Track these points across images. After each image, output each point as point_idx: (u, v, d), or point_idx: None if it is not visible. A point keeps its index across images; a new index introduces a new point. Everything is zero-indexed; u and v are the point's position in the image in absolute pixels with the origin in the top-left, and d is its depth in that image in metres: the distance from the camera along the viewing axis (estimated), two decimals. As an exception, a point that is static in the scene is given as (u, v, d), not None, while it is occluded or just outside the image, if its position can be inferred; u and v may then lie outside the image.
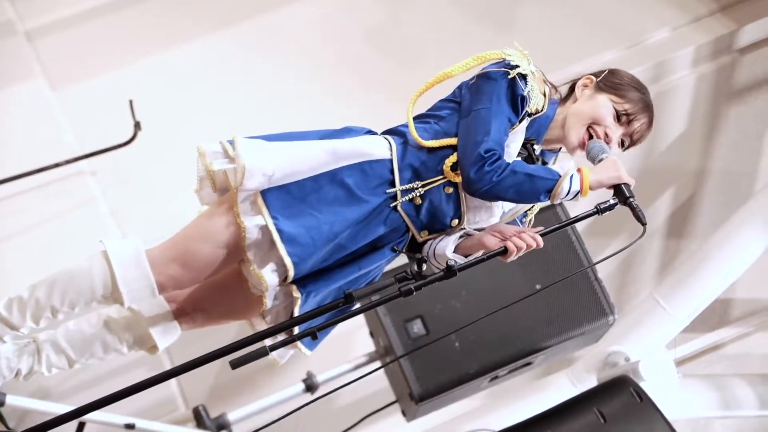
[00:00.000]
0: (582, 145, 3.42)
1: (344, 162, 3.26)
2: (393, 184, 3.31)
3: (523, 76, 3.30)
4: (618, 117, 3.41)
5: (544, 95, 3.37)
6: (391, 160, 3.31)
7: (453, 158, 3.30)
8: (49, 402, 4.91)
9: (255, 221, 3.22)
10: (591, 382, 5.54)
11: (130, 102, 5.29)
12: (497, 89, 3.29)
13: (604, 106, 3.40)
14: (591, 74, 3.49)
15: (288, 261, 3.21)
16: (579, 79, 3.50)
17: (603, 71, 3.48)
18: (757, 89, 6.08)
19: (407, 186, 3.31)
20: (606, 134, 3.41)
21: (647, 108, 3.45)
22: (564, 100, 3.49)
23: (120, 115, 5.33)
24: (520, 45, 3.45)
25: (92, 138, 5.43)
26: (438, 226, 3.40)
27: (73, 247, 5.13)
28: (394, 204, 3.31)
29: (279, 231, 3.21)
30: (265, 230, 3.22)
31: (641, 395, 4.78)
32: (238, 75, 5.74)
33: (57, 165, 5.25)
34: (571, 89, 3.50)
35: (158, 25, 5.72)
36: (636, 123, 3.43)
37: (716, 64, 6.00)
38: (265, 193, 3.22)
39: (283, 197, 3.23)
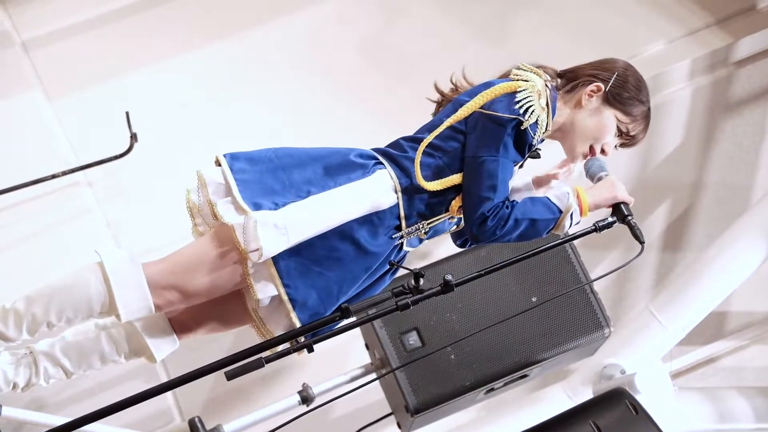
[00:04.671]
0: (584, 158, 3.44)
1: (353, 216, 3.24)
2: (399, 228, 3.31)
3: (536, 122, 3.26)
4: (619, 132, 3.42)
5: (548, 110, 3.33)
6: (398, 206, 3.30)
7: (458, 201, 3.31)
8: (44, 414, 4.90)
9: (267, 291, 3.24)
10: (587, 395, 5.53)
11: (127, 114, 5.29)
12: (506, 137, 3.25)
13: (609, 125, 3.39)
14: (600, 78, 3.42)
15: (299, 325, 3.23)
16: (587, 79, 3.43)
17: (610, 71, 3.41)
18: (753, 102, 6.09)
19: (413, 227, 3.32)
20: (603, 150, 3.42)
21: (647, 120, 3.46)
22: (566, 90, 3.44)
23: (116, 126, 5.33)
24: (515, 58, 3.45)
25: (88, 149, 5.42)
26: (438, 236, 3.44)
27: (69, 258, 5.12)
28: (399, 242, 3.32)
29: (292, 300, 3.23)
30: (277, 296, 3.26)
31: (637, 408, 4.78)
32: (234, 86, 5.74)
33: (53, 176, 5.25)
34: (573, 81, 3.44)
35: (154, 37, 5.72)
36: (633, 138, 3.45)
37: (712, 77, 6.01)
38: (276, 258, 3.21)
39: (294, 260, 3.22)
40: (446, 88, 3.54)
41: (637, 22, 6.01)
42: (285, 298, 3.23)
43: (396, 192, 3.29)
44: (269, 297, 3.26)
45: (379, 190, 3.27)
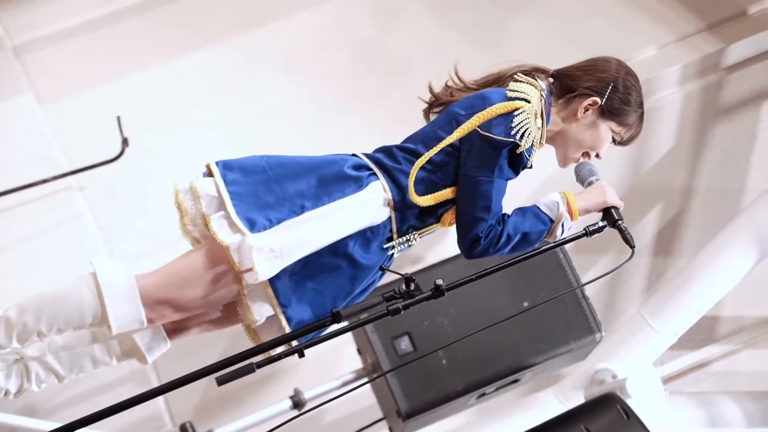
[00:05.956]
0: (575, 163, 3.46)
1: (347, 233, 3.24)
2: (391, 239, 3.31)
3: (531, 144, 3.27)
4: (613, 141, 3.44)
5: (542, 119, 3.34)
6: (390, 219, 3.30)
7: (450, 215, 3.32)
8: (36, 419, 4.90)
9: (264, 311, 3.24)
10: (578, 399, 5.53)
11: (118, 118, 5.30)
12: (502, 159, 3.25)
13: (605, 137, 3.41)
14: (597, 91, 3.39)
15: (295, 341, 3.23)
16: (585, 92, 3.40)
17: (606, 84, 3.39)
18: (743, 107, 6.10)
19: (405, 238, 3.33)
20: (597, 155, 3.44)
21: (641, 123, 3.46)
22: (561, 102, 3.43)
23: (108, 130, 5.33)
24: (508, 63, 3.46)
25: (80, 153, 5.43)
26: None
27: (61, 262, 5.13)
28: (391, 252, 3.33)
29: (288, 319, 3.23)
30: (273, 316, 3.26)
31: (628, 413, 4.78)
32: (226, 90, 5.75)
33: (45, 181, 5.25)
34: (569, 92, 3.43)
35: (146, 41, 5.73)
36: (626, 142, 3.46)
37: (703, 83, 6.02)
38: (272, 279, 3.21)
39: (289, 279, 3.22)
40: (439, 90, 3.54)
41: (628, 27, 6.03)
42: (282, 317, 3.23)
43: (389, 206, 3.29)
44: (265, 316, 3.27)
45: (372, 206, 3.27)
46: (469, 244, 3.27)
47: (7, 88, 5.54)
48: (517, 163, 3.28)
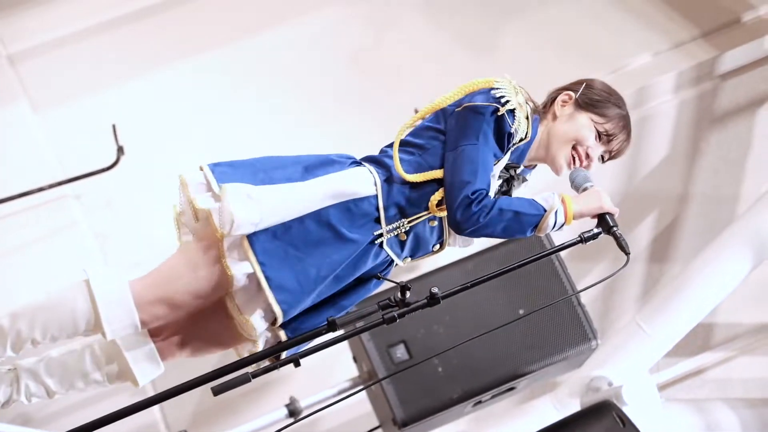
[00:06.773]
0: (569, 166, 3.45)
1: (330, 201, 3.25)
2: (378, 221, 3.30)
3: (512, 111, 3.30)
4: (599, 136, 3.43)
5: (528, 119, 3.36)
6: (376, 197, 3.30)
7: (438, 195, 3.30)
8: (30, 428, 4.89)
9: (242, 269, 3.21)
10: (574, 407, 5.53)
11: (113, 126, 5.30)
12: (484, 125, 3.28)
13: (585, 126, 3.42)
14: (569, 89, 3.47)
15: (277, 309, 3.21)
16: (557, 94, 3.49)
17: (579, 84, 3.48)
18: (738, 115, 6.11)
19: (393, 225, 3.32)
20: (587, 154, 3.43)
21: (626, 124, 3.47)
22: (543, 112, 3.49)
23: (103, 138, 5.33)
24: (502, 70, 3.47)
25: (75, 162, 5.43)
26: (420, 253, 3.43)
27: (57, 271, 5.13)
28: (379, 241, 3.31)
29: (267, 278, 3.20)
30: (253, 276, 3.21)
31: (624, 420, 4.78)
32: (221, 98, 5.75)
33: (40, 189, 5.25)
34: (550, 102, 3.50)
35: (141, 49, 5.73)
36: (615, 141, 3.46)
37: (698, 90, 6.03)
38: (251, 238, 3.20)
39: (270, 241, 3.20)
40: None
41: (623, 34, 6.04)
42: (261, 275, 3.19)
43: (375, 185, 3.30)
44: (245, 275, 3.23)
45: (357, 180, 3.30)
46: (461, 209, 3.24)
47: (2, 96, 5.54)
48: (501, 131, 3.30)
